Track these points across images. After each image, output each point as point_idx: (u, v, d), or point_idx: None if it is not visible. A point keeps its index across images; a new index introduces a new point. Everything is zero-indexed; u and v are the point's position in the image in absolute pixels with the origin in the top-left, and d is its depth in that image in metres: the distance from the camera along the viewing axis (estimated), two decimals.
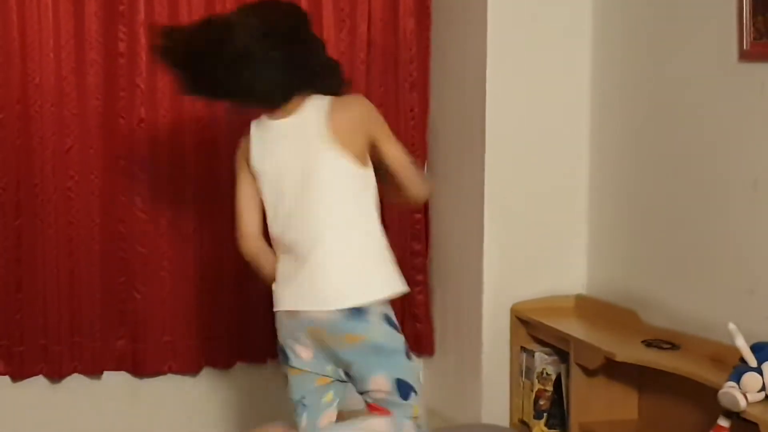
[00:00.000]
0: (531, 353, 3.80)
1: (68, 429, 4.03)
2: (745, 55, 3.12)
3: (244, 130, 3.02)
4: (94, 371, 4.02)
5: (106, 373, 4.04)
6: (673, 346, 3.30)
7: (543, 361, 3.77)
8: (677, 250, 3.46)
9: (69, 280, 3.92)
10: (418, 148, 4.25)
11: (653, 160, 3.59)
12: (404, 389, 2.94)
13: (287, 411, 3.08)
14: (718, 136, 3.27)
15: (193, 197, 4.04)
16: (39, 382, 3.98)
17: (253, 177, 2.99)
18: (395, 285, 2.98)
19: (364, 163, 2.93)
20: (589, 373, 3.53)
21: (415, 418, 2.95)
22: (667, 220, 3.51)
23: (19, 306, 3.90)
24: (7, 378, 3.95)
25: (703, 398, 3.08)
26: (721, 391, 2.81)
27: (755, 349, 2.87)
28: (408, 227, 4.29)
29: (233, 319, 4.12)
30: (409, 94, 4.25)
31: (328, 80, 2.99)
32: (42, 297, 3.90)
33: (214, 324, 4.11)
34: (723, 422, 2.87)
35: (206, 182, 4.03)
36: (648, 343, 3.36)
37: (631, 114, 3.72)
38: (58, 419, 4.02)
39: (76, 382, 4.01)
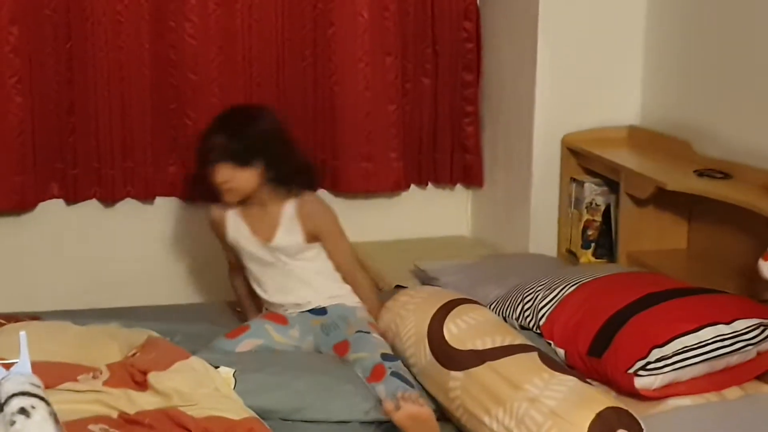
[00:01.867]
0: (581, 183, 3.79)
1: (121, 252, 4.11)
2: None
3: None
4: (146, 196, 4.07)
5: (158, 198, 4.10)
6: (726, 176, 3.27)
7: (593, 191, 3.76)
8: (733, 79, 3.39)
9: (120, 104, 3.94)
10: None
11: None
12: None
13: None
14: None
15: (241, 24, 4.00)
16: (92, 205, 4.04)
17: None
18: None
19: None
20: (639, 203, 3.52)
21: None
22: (724, 48, 3.44)
23: (72, 129, 3.93)
24: (61, 201, 4.02)
25: (754, 227, 3.07)
26: None
27: None
28: (459, 57, 4.25)
29: None
30: None
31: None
32: (94, 121, 3.93)
33: None
34: None
35: (257, 8, 3.99)
36: (700, 173, 3.33)
37: None
38: (111, 242, 4.10)
39: (128, 206, 4.06)
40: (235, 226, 3.29)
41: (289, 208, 3.24)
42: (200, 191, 3.39)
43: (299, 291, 3.27)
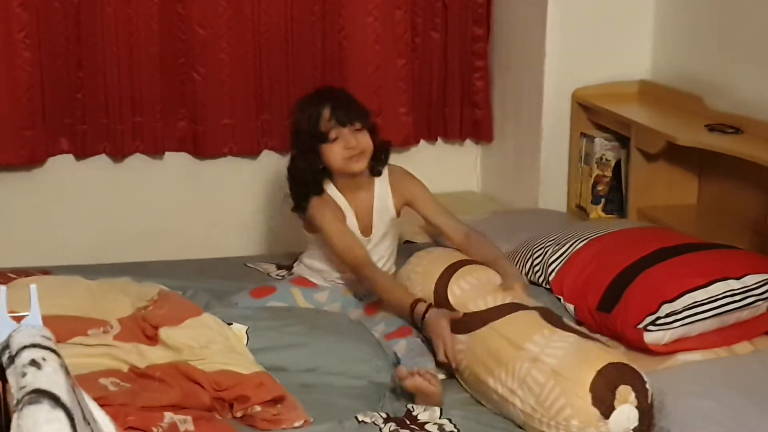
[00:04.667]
0: (591, 139, 3.77)
1: (130, 207, 4.11)
2: None
3: None
4: (155, 151, 4.06)
5: (167, 154, 4.09)
6: (737, 131, 3.26)
7: (603, 146, 3.74)
8: (745, 33, 3.37)
9: (129, 59, 3.92)
10: None
11: None
12: None
13: None
14: None
15: None
16: (102, 160, 4.03)
17: None
18: None
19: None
20: (649, 157, 3.51)
21: None
22: (736, 1, 3.41)
23: (81, 85, 3.91)
24: (70, 156, 4.01)
25: (764, 182, 3.07)
26: None
27: None
28: (469, 11, 4.22)
29: (293, 103, 4.12)
30: None
31: None
32: (103, 76, 3.91)
33: (274, 107, 4.11)
34: None
35: None
36: (711, 128, 3.31)
37: None
38: (120, 197, 4.10)
39: (138, 161, 4.06)
40: (350, 217, 3.16)
41: (377, 182, 3.19)
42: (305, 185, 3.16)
43: None
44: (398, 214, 3.24)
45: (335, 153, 3.06)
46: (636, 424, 2.38)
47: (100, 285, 3.09)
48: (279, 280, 3.36)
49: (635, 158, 3.54)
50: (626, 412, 2.38)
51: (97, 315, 2.81)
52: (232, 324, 2.81)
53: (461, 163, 4.44)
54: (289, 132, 3.26)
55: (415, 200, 3.23)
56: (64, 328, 2.61)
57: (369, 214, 3.17)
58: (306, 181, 3.11)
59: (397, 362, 2.78)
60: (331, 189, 3.15)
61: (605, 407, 2.36)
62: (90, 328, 2.71)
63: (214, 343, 2.70)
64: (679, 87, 3.67)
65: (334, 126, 3.05)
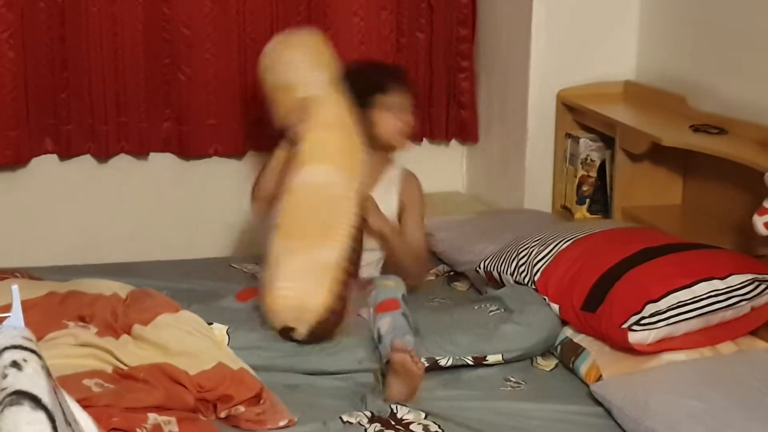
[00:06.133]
0: (576, 139, 3.78)
1: (114, 208, 4.10)
2: None
3: None
4: (140, 151, 4.05)
5: (152, 154, 4.08)
6: (721, 131, 3.27)
7: (588, 147, 3.75)
8: (728, 34, 3.38)
9: (113, 59, 3.91)
10: None
11: None
12: None
13: None
14: None
15: None
16: (86, 161, 4.02)
17: None
18: None
19: None
20: (634, 158, 3.51)
21: None
22: (719, 2, 3.42)
23: (65, 85, 3.90)
24: (55, 156, 4.00)
25: (749, 182, 3.06)
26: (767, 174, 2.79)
27: None
28: (454, 12, 4.22)
29: None
30: None
31: None
32: (87, 76, 3.90)
33: (259, 108, 4.10)
34: None
35: None
36: (695, 128, 3.32)
37: None
38: (104, 198, 4.09)
39: (122, 161, 4.05)
40: None
41: (392, 172, 3.31)
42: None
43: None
44: (399, 218, 3.29)
45: (390, 121, 3.21)
46: None
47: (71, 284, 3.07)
48: None
49: (620, 159, 3.54)
50: None
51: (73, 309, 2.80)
52: (212, 324, 2.81)
53: (447, 164, 4.44)
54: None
55: (408, 205, 3.32)
56: (41, 317, 2.61)
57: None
58: None
59: (379, 340, 2.81)
60: None
61: None
62: (65, 318, 2.70)
63: (195, 340, 2.69)
64: (663, 88, 3.67)
65: (401, 93, 3.22)
